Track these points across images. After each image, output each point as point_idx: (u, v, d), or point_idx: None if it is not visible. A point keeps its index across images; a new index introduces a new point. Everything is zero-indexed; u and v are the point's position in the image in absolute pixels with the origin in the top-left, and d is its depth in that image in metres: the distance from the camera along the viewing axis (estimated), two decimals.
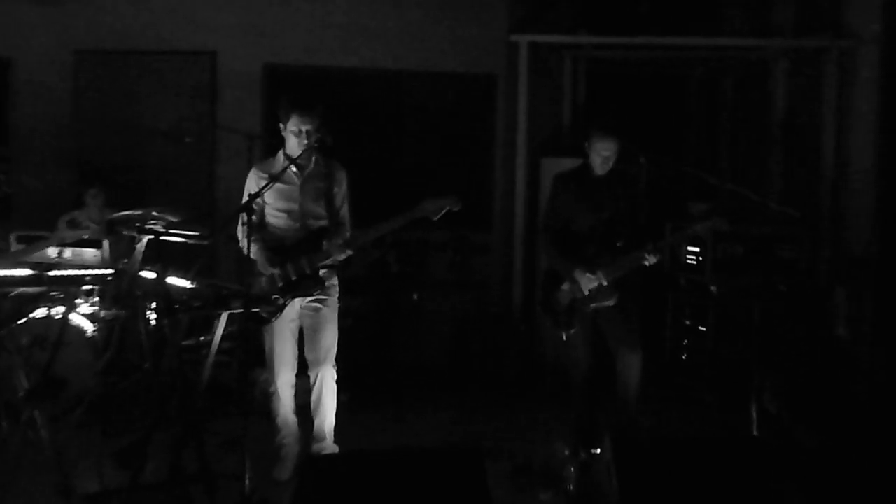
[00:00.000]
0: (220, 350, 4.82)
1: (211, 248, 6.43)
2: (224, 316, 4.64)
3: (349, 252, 4.70)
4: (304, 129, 4.68)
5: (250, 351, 5.32)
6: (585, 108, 7.78)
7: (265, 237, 4.78)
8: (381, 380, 6.67)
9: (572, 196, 5.09)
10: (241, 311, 4.44)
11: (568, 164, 5.97)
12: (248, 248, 4.53)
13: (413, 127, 7.63)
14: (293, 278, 4.73)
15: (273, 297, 4.70)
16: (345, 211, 4.93)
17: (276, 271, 4.70)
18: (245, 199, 4.68)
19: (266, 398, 5.05)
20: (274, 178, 4.61)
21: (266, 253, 4.72)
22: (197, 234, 5.35)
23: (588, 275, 4.95)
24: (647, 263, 4.90)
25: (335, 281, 4.94)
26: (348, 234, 4.86)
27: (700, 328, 6.61)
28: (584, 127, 7.32)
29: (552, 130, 7.69)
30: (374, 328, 6.82)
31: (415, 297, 6.92)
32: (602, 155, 4.97)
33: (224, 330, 4.71)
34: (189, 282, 5.48)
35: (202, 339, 5.95)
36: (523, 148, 7.51)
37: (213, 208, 7.30)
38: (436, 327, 7.20)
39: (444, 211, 4.65)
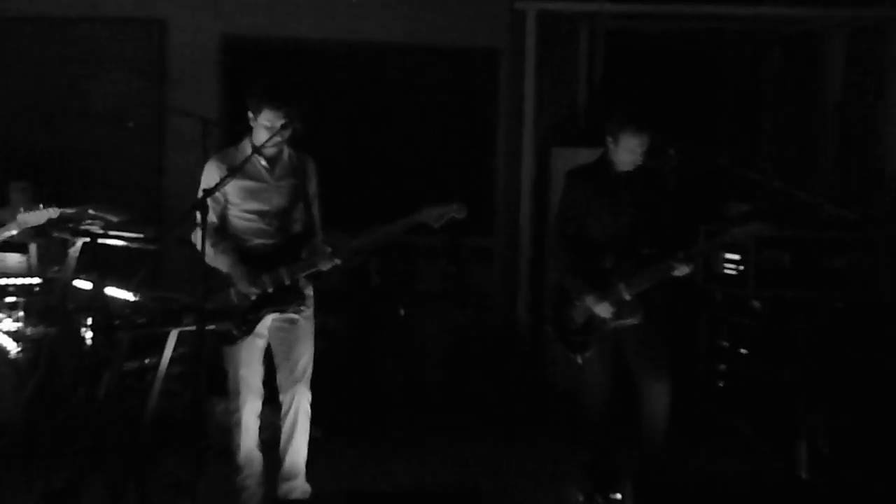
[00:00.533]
0: (168, 375, 4.84)
1: (159, 254, 6.47)
2: (174, 334, 4.67)
3: (337, 262, 4.78)
4: (277, 124, 4.75)
5: (205, 376, 5.34)
6: (604, 89, 7.82)
7: (233, 245, 4.85)
8: (362, 411, 6.72)
9: (588, 196, 5.12)
10: (195, 328, 4.48)
11: (584, 155, 5.94)
12: (207, 254, 4.57)
13: (399, 111, 7.68)
14: (269, 290, 4.79)
15: (245, 312, 4.77)
16: (316, 211, 5.01)
17: (257, 291, 4.76)
18: (200, 195, 4.70)
19: (223, 432, 5.08)
20: (235, 171, 4.67)
21: (243, 268, 4.77)
22: (142, 236, 5.38)
23: (603, 304, 4.99)
24: (677, 275, 4.95)
25: (310, 290, 5.01)
26: (318, 238, 4.94)
27: (740, 351, 6.64)
28: (602, 111, 7.38)
29: (565, 115, 7.76)
30: (352, 351, 6.85)
31: (401, 313, 6.97)
32: (633, 152, 5.02)
33: (174, 351, 4.74)
34: (132, 293, 5.49)
35: (148, 361, 5.92)
36: (531, 136, 7.57)
37: (162, 206, 7.32)
38: (426, 349, 7.24)
39: (447, 218, 4.77)
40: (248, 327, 4.80)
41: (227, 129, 7.06)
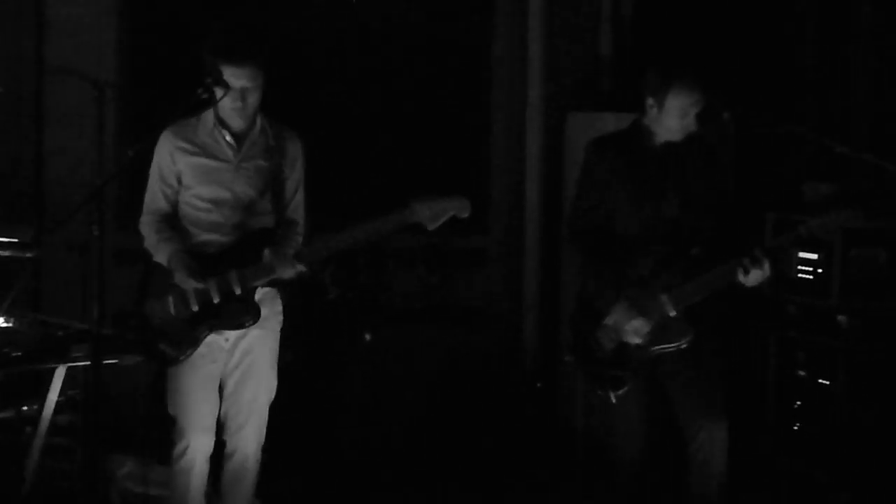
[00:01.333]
0: (55, 426, 4.82)
1: (37, 263, 6.42)
2: (61, 372, 4.67)
3: (301, 268, 4.93)
4: (238, 85, 4.86)
5: (103, 426, 5.30)
6: (635, 36, 7.80)
7: (182, 237, 5.07)
8: (319, 467, 6.75)
9: (618, 176, 5.13)
10: (90, 362, 4.54)
11: (608, 122, 5.99)
12: (149, 243, 4.98)
13: (372, 71, 7.70)
14: (215, 301, 4.91)
15: (185, 325, 4.93)
16: (299, 203, 5.22)
17: (199, 285, 4.91)
18: (155, 181, 5.03)
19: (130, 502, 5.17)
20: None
21: (186, 257, 4.94)
22: (14, 241, 5.47)
23: (638, 321, 5.00)
24: (746, 283, 4.93)
25: (277, 305, 5.23)
26: (300, 239, 5.14)
27: (821, 382, 6.58)
28: (633, 64, 7.35)
29: (583, 70, 7.74)
30: (304, 389, 6.76)
31: (367, 337, 6.97)
32: (684, 115, 5.03)
33: (61, 394, 4.72)
34: (2, 318, 5.46)
35: (25, 409, 5.90)
36: (538, 98, 7.60)
37: (41, 199, 7.27)
38: (402, 384, 7.21)
39: (446, 218, 4.89)
40: (188, 345, 4.96)
41: (130, 95, 7.08)
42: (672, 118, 5.02)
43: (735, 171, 5.85)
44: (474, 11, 7.78)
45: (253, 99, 4.91)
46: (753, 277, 4.89)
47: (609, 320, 5.08)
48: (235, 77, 4.82)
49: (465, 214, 4.89)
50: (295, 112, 7.04)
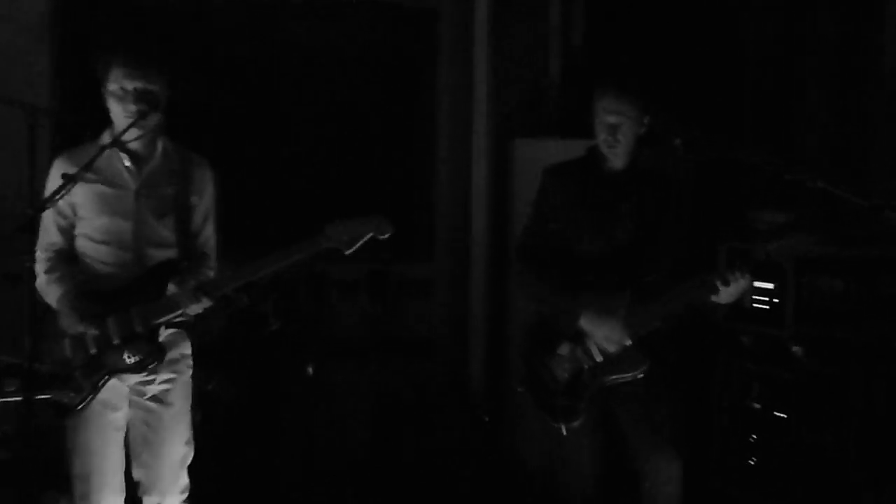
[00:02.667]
0: None
1: None
2: None
3: (207, 303, 4.78)
4: (131, 87, 4.74)
5: (36, 463, 5.32)
6: (588, 55, 7.86)
7: (78, 275, 4.87)
8: None
9: (572, 203, 5.22)
10: (22, 398, 4.50)
11: (556, 148, 6.01)
12: (39, 284, 4.69)
13: (301, 91, 7.66)
14: (115, 342, 4.77)
15: (83, 370, 4.75)
16: (209, 235, 5.06)
17: (91, 331, 4.76)
18: (48, 213, 4.80)
19: None
20: (87, 166, 4.64)
21: (75, 300, 4.78)
22: None
23: (611, 321, 5.06)
24: (720, 301, 4.96)
25: (186, 348, 5.04)
26: (211, 274, 4.97)
27: (776, 414, 6.67)
28: (582, 89, 7.39)
29: (532, 93, 7.79)
30: (241, 427, 6.83)
31: (308, 371, 6.90)
32: (605, 122, 5.13)
33: None
34: None
35: None
36: (484, 123, 7.65)
37: None
38: (345, 418, 7.26)
39: (365, 240, 4.80)
40: (87, 392, 4.77)
41: (64, 120, 6.96)
42: (597, 125, 5.14)
43: (687, 198, 5.89)
44: (416, 33, 7.79)
45: (148, 105, 4.73)
46: (727, 295, 4.93)
47: (563, 349, 5.15)
48: (128, 76, 4.71)
49: (386, 234, 4.80)
50: (227, 140, 7.09)
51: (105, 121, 4.93)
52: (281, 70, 7.66)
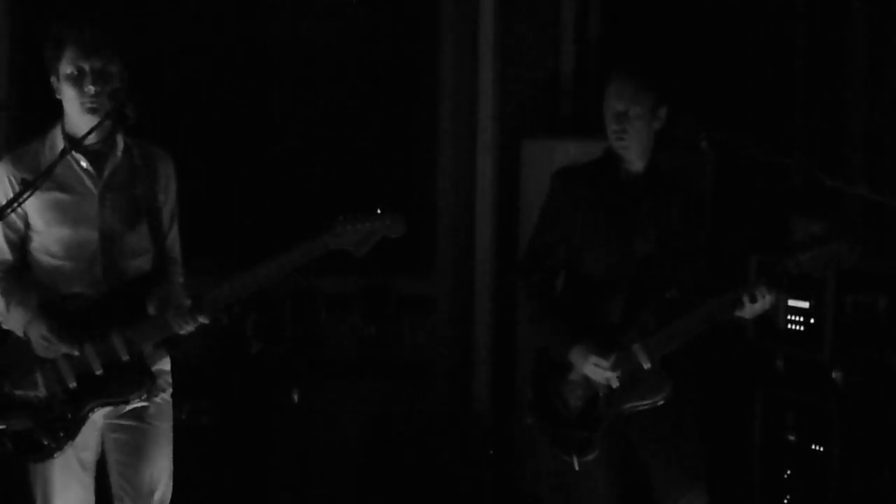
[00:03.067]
0: None
1: None
2: None
3: (202, 320, 4.56)
4: (87, 67, 4.49)
5: None
6: (602, 52, 7.80)
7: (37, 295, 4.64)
8: None
9: (585, 210, 5.12)
10: None
11: (568, 150, 5.97)
12: (11, 318, 4.52)
13: (294, 90, 7.65)
14: (97, 372, 4.55)
15: (60, 408, 4.57)
16: (175, 238, 4.87)
17: (71, 351, 4.54)
18: None
19: None
20: (44, 174, 4.41)
21: (45, 322, 4.53)
22: None
23: (594, 359, 4.94)
24: (742, 313, 4.84)
25: (165, 363, 4.84)
26: (182, 281, 4.79)
27: (814, 447, 6.56)
28: (597, 84, 7.28)
29: (543, 90, 7.71)
30: (220, 461, 6.75)
31: (294, 397, 6.87)
32: (613, 110, 5.04)
33: None
34: None
35: None
36: (489, 122, 7.55)
37: None
38: (334, 451, 7.14)
39: (376, 240, 4.57)
40: (66, 432, 4.59)
41: (22, 115, 7.03)
42: (606, 116, 5.05)
43: (714, 206, 5.80)
44: (418, 27, 7.78)
45: (107, 86, 4.49)
46: (751, 309, 4.82)
47: (575, 375, 5.01)
48: (82, 55, 4.47)
49: (399, 233, 4.59)
50: (218, 142, 7.30)
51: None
52: (275, 68, 7.69)
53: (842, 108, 7.83)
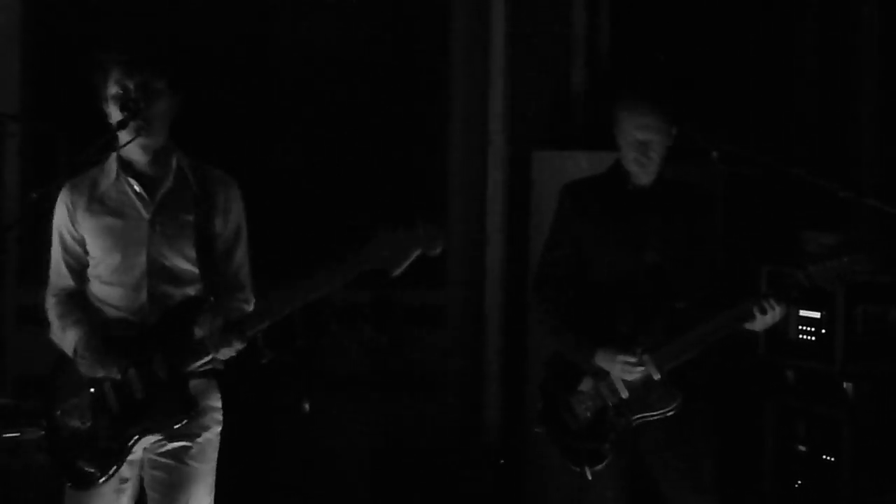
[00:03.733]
0: None
1: None
2: None
3: (239, 345, 4.48)
4: (131, 85, 4.46)
5: None
6: (614, 62, 7.82)
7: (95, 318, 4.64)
8: None
9: (594, 223, 5.16)
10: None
11: (579, 162, 5.95)
12: (53, 331, 4.50)
13: (300, 97, 7.63)
14: (139, 396, 4.50)
15: (106, 434, 4.52)
16: (240, 264, 4.76)
17: (113, 374, 4.49)
18: (57, 251, 4.60)
19: None
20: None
21: (93, 341, 4.51)
22: None
23: (622, 357, 4.96)
24: (751, 325, 4.88)
25: (215, 399, 4.77)
26: (247, 308, 4.71)
27: (825, 458, 6.57)
28: (608, 97, 7.30)
29: (553, 102, 7.72)
30: (233, 468, 6.62)
31: (305, 408, 6.84)
32: (635, 140, 5.05)
33: None
34: None
35: None
36: (500, 134, 7.57)
37: None
38: (345, 461, 7.11)
39: (413, 258, 4.39)
40: (111, 460, 4.52)
41: (36, 130, 6.96)
42: (624, 148, 5.08)
43: (725, 218, 5.77)
44: (428, 39, 7.78)
45: (159, 108, 4.48)
46: (762, 322, 4.85)
47: (584, 386, 5.04)
48: (130, 74, 4.45)
49: (437, 250, 4.41)
50: (234, 147, 7.14)
51: (80, 133, 4.76)
52: (279, 74, 7.65)
53: (853, 117, 7.85)
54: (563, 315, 5.15)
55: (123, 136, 4.49)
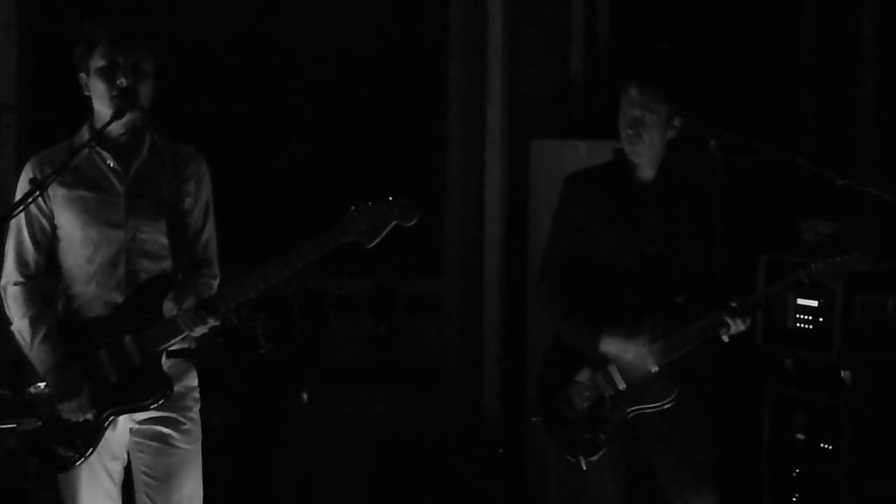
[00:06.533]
0: None
1: None
2: None
3: (213, 322, 4.50)
4: (120, 60, 4.49)
5: None
6: (612, 50, 7.82)
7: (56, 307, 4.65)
8: None
9: (597, 215, 5.20)
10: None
11: (577, 150, 6.01)
12: (18, 329, 4.51)
13: (295, 86, 7.63)
14: (112, 379, 4.53)
15: (78, 416, 4.51)
16: (208, 240, 4.80)
17: (86, 416, 4.50)
18: (21, 229, 4.59)
19: None
20: (60, 169, 4.42)
21: (65, 374, 4.50)
22: None
23: (629, 342, 5.04)
24: (725, 335, 5.01)
25: (192, 379, 4.79)
26: (214, 284, 4.74)
27: (824, 446, 6.63)
28: (608, 85, 7.36)
29: (551, 92, 7.75)
30: (232, 458, 6.78)
31: (304, 398, 6.84)
32: (628, 115, 5.12)
33: None
34: None
35: None
36: (499, 121, 7.60)
37: None
38: (344, 451, 7.21)
39: (388, 229, 4.52)
40: (84, 440, 4.54)
41: (32, 117, 6.98)
42: (620, 122, 5.13)
43: (723, 206, 5.84)
44: (423, 22, 7.76)
45: (142, 82, 4.50)
46: (736, 329, 4.98)
47: (582, 376, 5.12)
48: (120, 51, 4.47)
49: (412, 221, 4.54)
50: (220, 139, 7.08)
51: (79, 118, 4.73)
52: (275, 63, 7.60)
53: (851, 105, 7.82)
54: (570, 304, 5.19)
55: (104, 112, 4.52)
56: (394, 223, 4.52)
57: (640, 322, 5.08)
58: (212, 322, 4.49)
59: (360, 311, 7.43)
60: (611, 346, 5.06)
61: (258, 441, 6.93)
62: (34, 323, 4.56)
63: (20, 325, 4.56)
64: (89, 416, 4.48)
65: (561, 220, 5.30)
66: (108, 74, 4.50)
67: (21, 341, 4.58)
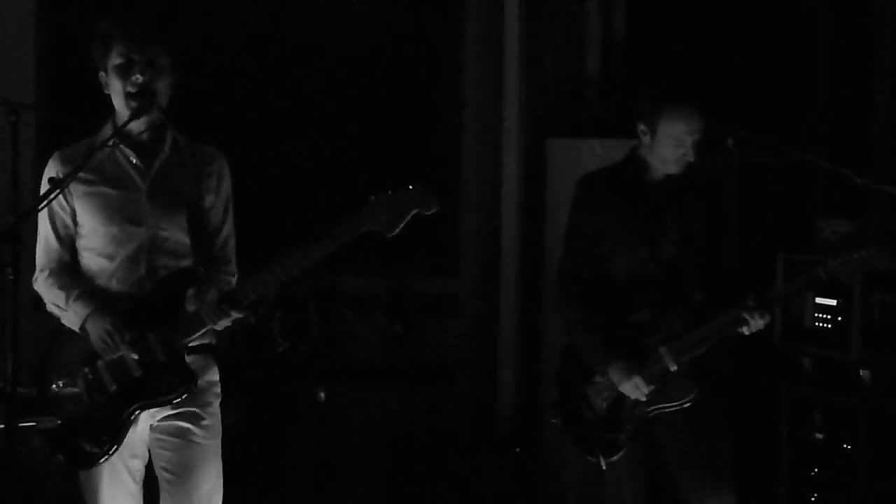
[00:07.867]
0: None
1: None
2: None
3: (235, 315, 4.54)
4: (136, 57, 4.54)
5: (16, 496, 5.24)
6: (628, 50, 7.84)
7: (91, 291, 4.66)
8: None
9: (612, 217, 5.22)
10: (5, 425, 4.34)
11: (593, 150, 6.01)
12: (53, 302, 4.57)
13: (310, 83, 7.63)
14: (136, 374, 4.56)
15: (104, 412, 4.55)
16: (227, 237, 4.85)
17: (124, 350, 4.53)
18: (46, 224, 4.65)
19: None
20: (79, 167, 4.44)
21: (109, 314, 4.55)
22: None
23: (635, 378, 5.05)
24: (746, 332, 5.03)
25: (213, 374, 4.83)
26: (233, 281, 4.77)
27: (842, 446, 6.62)
28: (624, 85, 7.44)
29: (568, 89, 7.77)
30: (249, 457, 6.73)
31: (321, 396, 6.86)
32: (680, 144, 5.11)
33: None
34: None
35: None
36: (515, 120, 7.62)
37: None
38: (360, 450, 7.22)
39: (409, 218, 4.53)
40: (109, 437, 4.56)
41: (51, 118, 6.98)
42: (665, 147, 5.13)
43: (740, 206, 5.83)
44: (439, 20, 7.76)
45: (162, 79, 4.56)
46: (755, 326, 5.00)
47: (600, 377, 5.14)
48: (136, 48, 4.52)
49: (432, 209, 4.53)
50: (232, 137, 7.13)
51: (97, 117, 4.78)
52: (290, 60, 7.61)
53: (867, 104, 7.77)
54: (585, 310, 5.20)
55: (124, 110, 4.57)
56: (414, 211, 4.53)
57: (651, 326, 5.11)
58: (235, 315, 4.53)
59: (376, 311, 7.46)
60: (615, 375, 5.08)
61: (274, 439, 6.94)
62: (66, 289, 4.61)
63: (54, 295, 4.62)
64: (134, 356, 4.50)
65: (575, 224, 5.32)
66: (124, 72, 4.55)
67: (56, 311, 4.63)
